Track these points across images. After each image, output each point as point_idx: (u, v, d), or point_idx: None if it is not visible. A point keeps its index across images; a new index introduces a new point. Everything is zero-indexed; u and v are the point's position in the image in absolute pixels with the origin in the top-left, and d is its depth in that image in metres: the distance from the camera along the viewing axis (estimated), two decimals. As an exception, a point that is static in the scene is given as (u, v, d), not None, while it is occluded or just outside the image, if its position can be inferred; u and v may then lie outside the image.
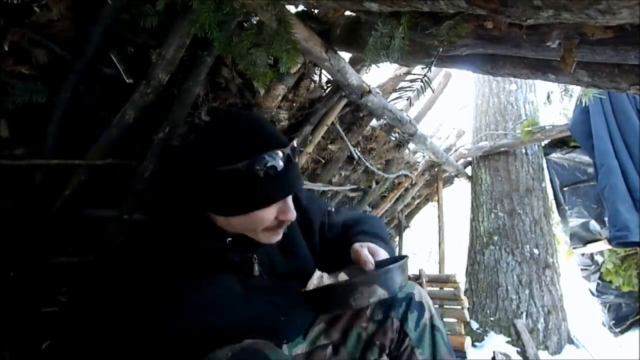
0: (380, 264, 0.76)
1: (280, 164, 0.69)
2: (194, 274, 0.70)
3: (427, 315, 0.85)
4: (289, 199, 0.75)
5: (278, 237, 0.77)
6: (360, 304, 0.64)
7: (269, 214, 0.73)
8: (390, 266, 0.68)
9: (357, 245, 0.82)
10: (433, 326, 0.85)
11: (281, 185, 0.72)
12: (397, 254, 0.98)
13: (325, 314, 0.83)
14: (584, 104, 2.21)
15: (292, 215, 0.74)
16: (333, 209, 1.02)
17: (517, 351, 2.58)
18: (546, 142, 3.23)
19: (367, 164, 2.23)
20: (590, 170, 2.81)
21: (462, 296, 2.47)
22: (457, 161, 3.47)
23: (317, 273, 0.78)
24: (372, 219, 1.04)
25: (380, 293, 0.64)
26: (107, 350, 0.65)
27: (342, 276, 0.78)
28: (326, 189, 2.22)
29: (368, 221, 0.98)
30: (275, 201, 0.72)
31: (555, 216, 3.28)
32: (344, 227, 0.96)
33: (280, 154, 0.70)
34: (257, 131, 0.73)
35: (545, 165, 3.25)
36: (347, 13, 1.25)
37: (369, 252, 0.79)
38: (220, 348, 0.59)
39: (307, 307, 0.81)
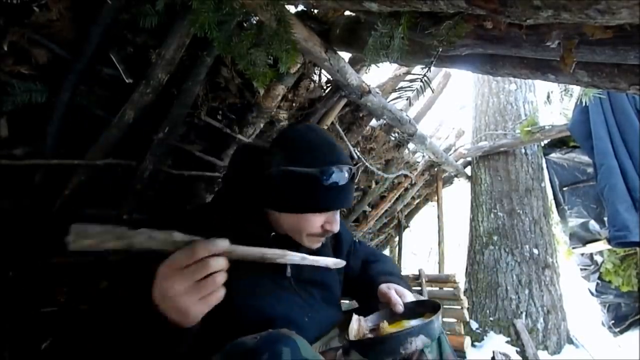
0: (407, 306, 0.86)
1: (344, 178, 0.80)
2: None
3: None
4: (338, 212, 0.84)
5: (318, 244, 0.86)
6: (408, 351, 0.71)
7: (317, 220, 0.81)
8: (433, 317, 0.75)
9: (384, 287, 0.90)
10: None
11: (338, 197, 0.80)
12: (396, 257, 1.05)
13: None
14: (583, 104, 2.21)
15: (337, 227, 0.83)
16: (357, 240, 1.15)
17: (517, 351, 2.59)
18: (546, 142, 3.23)
19: (366, 163, 2.23)
20: (590, 170, 2.81)
21: (462, 296, 2.46)
22: (456, 161, 3.47)
23: (355, 317, 0.85)
24: (387, 257, 1.17)
25: (425, 341, 0.72)
26: None
27: (385, 324, 0.85)
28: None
29: (386, 260, 1.10)
30: (329, 209, 0.81)
31: (554, 216, 3.28)
32: (363, 262, 1.07)
33: (347, 170, 0.80)
34: (331, 146, 0.82)
35: (544, 165, 3.25)
36: (347, 13, 1.25)
37: (396, 293, 0.88)
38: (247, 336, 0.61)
39: (328, 314, 0.90)
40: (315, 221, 0.81)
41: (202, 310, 0.56)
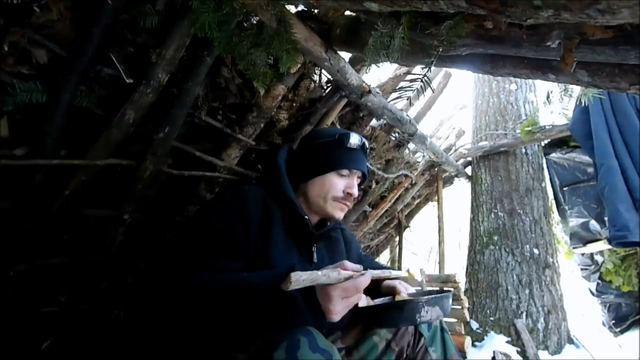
0: (411, 295, 0.90)
1: (360, 143, 1.01)
2: (272, 220, 0.87)
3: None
4: (355, 179, 1.03)
5: (342, 213, 1.01)
6: (423, 320, 0.73)
7: (340, 183, 0.99)
8: (447, 293, 0.78)
9: (388, 281, 1.01)
10: (442, 329, 0.96)
11: (356, 159, 1.01)
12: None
13: (388, 328, 0.93)
14: (583, 104, 2.21)
15: (356, 191, 1.01)
16: (362, 252, 1.32)
17: (517, 351, 2.58)
18: (546, 142, 3.22)
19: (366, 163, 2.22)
20: (590, 170, 2.81)
21: (462, 296, 2.47)
22: (457, 161, 3.46)
23: (364, 296, 0.87)
24: (389, 267, 1.29)
25: (439, 313, 0.74)
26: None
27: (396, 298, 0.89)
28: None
29: (388, 268, 1.20)
30: (348, 167, 1.00)
31: (555, 216, 3.28)
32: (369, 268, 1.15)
33: (360, 138, 1.02)
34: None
35: (545, 165, 3.25)
36: (347, 13, 1.25)
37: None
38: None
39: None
40: (339, 184, 0.98)
41: (342, 315, 0.68)
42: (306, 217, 0.95)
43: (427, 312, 0.71)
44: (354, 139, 1.00)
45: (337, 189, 0.98)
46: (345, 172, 1.00)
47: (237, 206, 0.85)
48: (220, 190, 1.02)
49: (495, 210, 3.21)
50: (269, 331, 0.65)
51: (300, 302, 0.65)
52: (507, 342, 2.69)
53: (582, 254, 3.33)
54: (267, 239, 0.85)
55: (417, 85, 1.10)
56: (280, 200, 0.92)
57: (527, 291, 2.86)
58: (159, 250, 1.44)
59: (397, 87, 1.90)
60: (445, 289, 0.87)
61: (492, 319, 2.87)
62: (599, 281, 3.32)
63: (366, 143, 1.05)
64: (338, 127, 1.83)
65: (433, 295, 0.74)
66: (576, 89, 2.34)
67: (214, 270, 0.73)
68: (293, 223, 0.93)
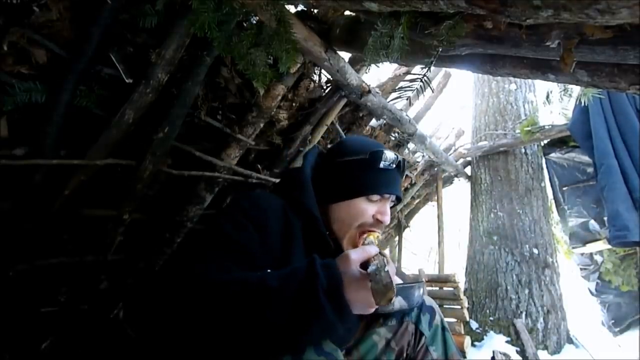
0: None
1: (394, 163, 0.87)
2: (293, 234, 0.79)
3: (438, 318, 0.93)
4: (388, 205, 0.89)
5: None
6: (386, 310, 0.75)
7: (370, 208, 0.86)
8: (413, 284, 0.78)
9: None
10: (443, 328, 0.93)
11: (389, 182, 0.87)
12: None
13: None
14: (583, 104, 2.21)
15: (388, 218, 0.87)
16: None
17: (517, 351, 2.59)
18: (546, 141, 3.23)
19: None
20: (590, 170, 2.81)
21: (462, 296, 2.47)
22: (456, 161, 3.47)
23: None
24: None
25: (403, 304, 0.75)
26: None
27: None
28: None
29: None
30: (380, 192, 0.86)
31: (554, 216, 3.29)
32: None
33: (395, 155, 0.88)
34: (377, 141, 0.93)
35: (544, 165, 3.25)
36: (347, 13, 1.25)
37: None
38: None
39: (356, 321, 0.89)
40: (368, 210, 0.85)
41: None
42: (327, 233, 0.87)
43: None
44: (388, 157, 0.86)
45: (366, 216, 0.86)
46: (376, 197, 0.87)
47: (255, 215, 0.77)
48: (236, 198, 0.89)
49: (495, 210, 3.21)
50: (288, 345, 0.58)
51: (328, 307, 0.56)
52: (507, 341, 2.69)
53: (582, 254, 3.33)
54: (287, 254, 0.78)
55: (417, 85, 1.09)
56: (302, 215, 0.84)
57: (526, 291, 2.86)
58: (160, 251, 1.44)
59: (396, 87, 1.90)
60: (420, 281, 0.89)
61: (491, 318, 2.87)
62: (599, 281, 3.33)
63: (402, 161, 0.91)
64: (338, 127, 1.83)
65: (396, 284, 0.74)
66: (576, 89, 2.35)
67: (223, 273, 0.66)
68: (313, 240, 0.85)
